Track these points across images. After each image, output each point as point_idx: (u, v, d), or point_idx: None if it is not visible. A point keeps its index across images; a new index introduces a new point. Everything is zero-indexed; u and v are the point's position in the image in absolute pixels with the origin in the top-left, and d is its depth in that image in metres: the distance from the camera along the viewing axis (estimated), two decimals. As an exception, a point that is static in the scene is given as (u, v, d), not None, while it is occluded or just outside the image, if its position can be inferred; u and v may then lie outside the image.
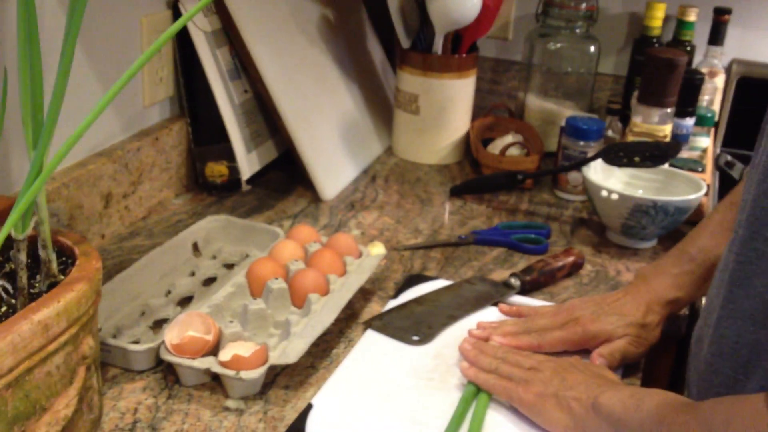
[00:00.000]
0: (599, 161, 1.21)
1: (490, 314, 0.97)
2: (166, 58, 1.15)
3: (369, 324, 0.93)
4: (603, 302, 0.91)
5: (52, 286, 0.69)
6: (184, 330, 0.81)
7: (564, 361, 0.83)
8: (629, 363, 0.89)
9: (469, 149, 1.44)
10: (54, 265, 0.71)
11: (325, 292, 0.92)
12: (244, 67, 1.22)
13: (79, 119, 0.64)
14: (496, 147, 1.39)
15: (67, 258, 0.73)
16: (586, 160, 1.20)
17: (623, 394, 0.72)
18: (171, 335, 0.80)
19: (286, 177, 1.31)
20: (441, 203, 1.28)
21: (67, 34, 0.64)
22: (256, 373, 0.78)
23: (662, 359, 1.09)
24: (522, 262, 1.10)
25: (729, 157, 1.32)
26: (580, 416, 0.74)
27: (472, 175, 1.39)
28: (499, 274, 1.04)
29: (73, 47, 0.64)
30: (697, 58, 1.53)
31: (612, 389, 0.74)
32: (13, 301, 0.69)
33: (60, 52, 0.64)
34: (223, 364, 0.78)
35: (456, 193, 1.31)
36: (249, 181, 1.25)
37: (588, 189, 1.21)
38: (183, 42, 1.16)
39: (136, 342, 0.84)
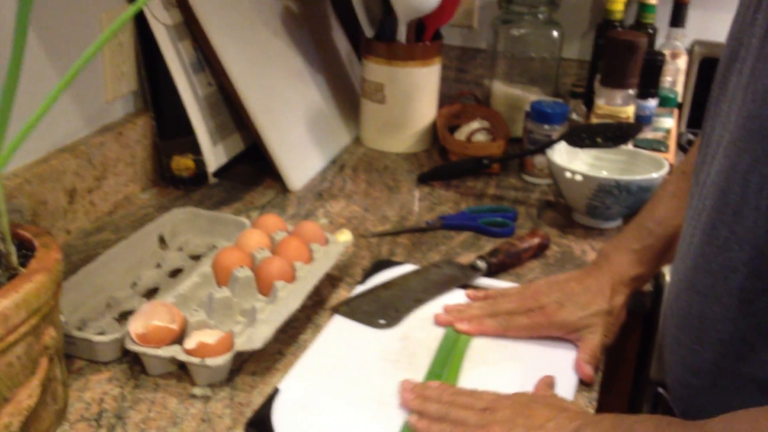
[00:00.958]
0: (563, 144, 1.22)
1: (457, 297, 0.97)
2: (128, 52, 1.15)
3: (336, 309, 0.93)
4: (567, 287, 0.90)
5: (12, 278, 0.68)
6: (148, 320, 0.81)
7: (522, 397, 0.75)
8: None
9: (436, 137, 1.45)
10: (13, 258, 0.71)
11: (292, 279, 0.93)
12: (207, 59, 1.22)
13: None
14: (462, 133, 1.40)
15: (27, 250, 0.73)
16: (550, 143, 1.21)
17: (604, 427, 0.67)
18: (135, 325, 0.80)
19: (253, 169, 1.32)
20: (409, 190, 1.29)
21: (18, 22, 0.64)
22: (222, 360, 0.78)
23: (629, 337, 1.10)
24: (489, 245, 1.11)
25: (691, 136, 1.33)
26: None
27: (440, 163, 1.39)
28: (466, 258, 1.05)
29: (24, 36, 0.63)
30: (660, 41, 1.55)
31: (589, 425, 0.68)
32: (-27, 293, 0.69)
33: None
34: (189, 352, 0.79)
35: (423, 180, 1.32)
36: (216, 173, 1.25)
37: (553, 171, 1.22)
38: (144, 36, 1.16)
39: (102, 334, 0.84)
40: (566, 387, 0.81)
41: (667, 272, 1.08)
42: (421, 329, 0.90)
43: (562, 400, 0.76)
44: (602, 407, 0.82)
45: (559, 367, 0.84)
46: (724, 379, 0.67)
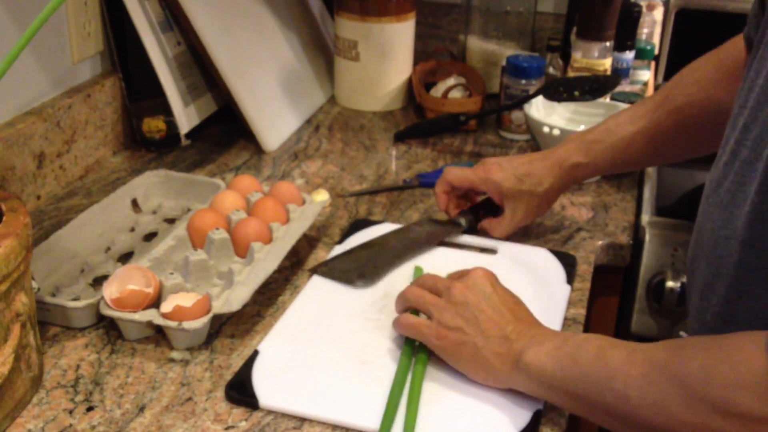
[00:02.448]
0: (540, 98, 1.21)
1: (438, 253, 0.96)
2: (93, 11, 1.12)
3: (314, 270, 0.92)
4: (514, 160, 0.97)
5: (-21, 244, 0.67)
6: (123, 284, 0.79)
7: (476, 292, 0.74)
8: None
9: (412, 95, 1.43)
10: (-20, 223, 0.69)
11: (268, 240, 0.91)
12: (175, 18, 1.19)
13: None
14: (438, 90, 1.38)
15: (-6, 216, 0.71)
16: (527, 98, 1.20)
17: (549, 347, 0.68)
18: (110, 290, 0.79)
19: (227, 130, 1.29)
20: (385, 149, 1.27)
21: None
22: (199, 323, 0.77)
23: (610, 290, 1.10)
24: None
25: (668, 88, 1.32)
26: (504, 374, 0.71)
27: (416, 120, 1.38)
28: (444, 216, 1.04)
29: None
30: (636, -7, 1.53)
31: (534, 343, 0.69)
32: (-61, 261, 0.67)
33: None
34: (165, 316, 0.77)
35: (400, 138, 1.30)
36: (189, 135, 1.23)
37: (530, 126, 1.21)
38: (110, -6, 1.12)
39: (77, 299, 0.82)
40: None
41: (647, 227, 1.07)
42: (400, 288, 0.89)
43: (513, 303, 0.75)
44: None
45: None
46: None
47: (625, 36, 1.33)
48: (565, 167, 0.95)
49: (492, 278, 0.77)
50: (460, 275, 0.78)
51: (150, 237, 0.97)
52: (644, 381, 0.60)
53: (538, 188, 0.95)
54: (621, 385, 0.62)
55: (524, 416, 0.71)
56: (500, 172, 0.95)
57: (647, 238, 1.06)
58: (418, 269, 0.92)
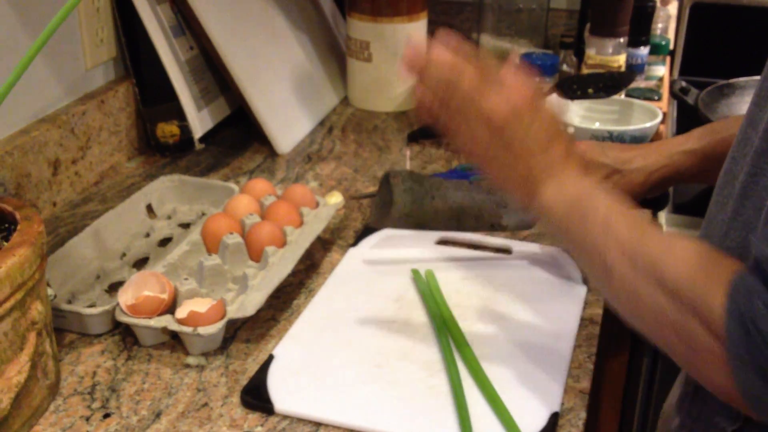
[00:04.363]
0: (554, 96, 1.20)
1: (449, 253, 0.96)
2: (105, 18, 1.12)
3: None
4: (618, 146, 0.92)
5: (-6, 253, 0.67)
6: (138, 290, 0.79)
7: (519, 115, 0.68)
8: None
9: (425, 94, 1.42)
10: (-5, 232, 0.69)
11: (282, 244, 0.91)
12: (187, 22, 1.20)
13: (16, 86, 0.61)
14: (451, 89, 1.37)
15: (9, 224, 0.72)
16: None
17: (568, 195, 0.66)
18: (125, 296, 0.79)
19: (240, 133, 1.29)
20: (399, 150, 1.27)
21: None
22: (214, 328, 0.77)
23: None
24: (482, 201, 1.09)
25: (684, 83, 1.31)
26: (526, 201, 0.69)
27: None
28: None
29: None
30: (649, -13, 1.52)
31: (555, 183, 0.67)
32: (-45, 271, 0.67)
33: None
34: (180, 322, 0.78)
35: (413, 138, 1.29)
36: (202, 139, 1.23)
37: (544, 124, 1.20)
38: (122, 1, 1.13)
39: (92, 306, 0.82)
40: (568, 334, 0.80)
41: (664, 225, 1.06)
42: (414, 293, 0.89)
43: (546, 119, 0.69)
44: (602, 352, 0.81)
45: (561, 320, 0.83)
46: None
47: (639, 31, 1.33)
48: (675, 151, 0.89)
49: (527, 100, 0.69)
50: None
51: (165, 242, 0.97)
52: (622, 265, 0.62)
53: (626, 165, 0.89)
54: (611, 258, 0.62)
55: (541, 418, 0.70)
56: (588, 144, 0.91)
57: (664, 235, 1.05)
58: (415, 272, 0.91)
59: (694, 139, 0.89)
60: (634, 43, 1.33)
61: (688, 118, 1.24)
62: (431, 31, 1.42)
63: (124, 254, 0.94)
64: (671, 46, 1.50)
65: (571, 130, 1.12)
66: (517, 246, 0.97)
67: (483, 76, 0.69)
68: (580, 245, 0.67)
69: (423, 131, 1.30)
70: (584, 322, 0.84)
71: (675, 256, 0.60)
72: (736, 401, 0.58)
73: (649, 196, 0.92)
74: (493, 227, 0.98)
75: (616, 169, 0.89)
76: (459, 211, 0.95)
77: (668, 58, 1.47)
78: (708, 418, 0.70)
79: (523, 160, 0.68)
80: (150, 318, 0.78)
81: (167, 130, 1.19)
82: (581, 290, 0.89)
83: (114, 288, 0.88)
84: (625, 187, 0.89)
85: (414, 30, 1.37)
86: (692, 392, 0.73)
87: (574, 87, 1.16)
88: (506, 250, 0.97)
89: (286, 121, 1.27)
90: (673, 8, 1.49)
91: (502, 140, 0.68)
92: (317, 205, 0.99)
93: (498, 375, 0.75)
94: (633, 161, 0.89)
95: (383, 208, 0.97)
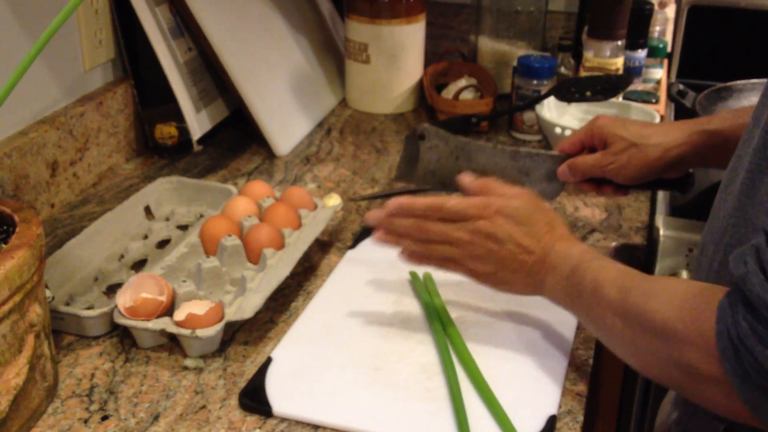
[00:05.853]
0: (552, 99, 1.20)
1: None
2: (104, 19, 1.12)
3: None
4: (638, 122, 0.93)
5: (-7, 255, 0.67)
6: (136, 292, 0.79)
7: (484, 228, 0.76)
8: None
9: (423, 96, 1.43)
10: (-6, 235, 0.69)
11: (280, 246, 0.91)
12: (185, 24, 1.20)
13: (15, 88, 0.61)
14: (449, 92, 1.38)
15: (7, 226, 0.72)
16: (538, 99, 1.19)
17: (562, 280, 0.73)
18: (123, 298, 0.79)
19: (239, 135, 1.29)
20: (397, 152, 1.27)
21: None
22: (213, 331, 0.77)
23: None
24: (480, 204, 1.09)
25: (681, 87, 1.32)
26: (533, 293, 0.77)
27: (428, 122, 1.37)
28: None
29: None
30: (647, -10, 1.52)
31: (551, 275, 0.74)
32: (-47, 273, 0.67)
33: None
34: (179, 324, 0.78)
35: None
36: (201, 141, 1.23)
37: (542, 127, 1.21)
38: (120, 2, 1.13)
39: (90, 308, 0.82)
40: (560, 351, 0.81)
41: (661, 228, 1.07)
42: (413, 296, 0.89)
43: (550, 226, 0.77)
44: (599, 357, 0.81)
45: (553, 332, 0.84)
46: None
47: (637, 34, 1.33)
48: (696, 129, 0.88)
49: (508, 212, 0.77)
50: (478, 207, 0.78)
51: (163, 244, 0.97)
52: (617, 324, 0.66)
53: (643, 140, 0.89)
54: (609, 321, 0.67)
55: (538, 421, 0.70)
56: (609, 118, 0.92)
57: (661, 238, 1.05)
58: (413, 275, 0.91)
59: (718, 120, 0.88)
60: (632, 46, 1.33)
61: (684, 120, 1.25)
62: (429, 34, 1.43)
63: (122, 256, 0.94)
64: (669, 49, 1.51)
65: (568, 133, 1.12)
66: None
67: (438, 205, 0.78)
68: (584, 317, 0.73)
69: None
70: (581, 324, 0.85)
71: (659, 300, 0.63)
72: (747, 419, 0.58)
73: (668, 177, 0.91)
74: None
75: (634, 143, 0.89)
76: (482, 174, 0.94)
77: (666, 61, 1.47)
78: (705, 412, 0.70)
79: (520, 268, 0.76)
80: (148, 320, 0.78)
81: (165, 131, 1.19)
82: (579, 293, 0.89)
83: (112, 290, 0.88)
84: (641, 162, 0.89)
85: (412, 32, 1.37)
86: None
87: (572, 90, 1.17)
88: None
89: (285, 123, 1.27)
90: (670, 11, 1.50)
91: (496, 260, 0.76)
92: (315, 207, 0.99)
93: (496, 377, 0.75)
94: (651, 137, 0.89)
95: (409, 164, 0.97)
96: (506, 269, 0.76)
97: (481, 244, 0.76)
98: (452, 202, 0.78)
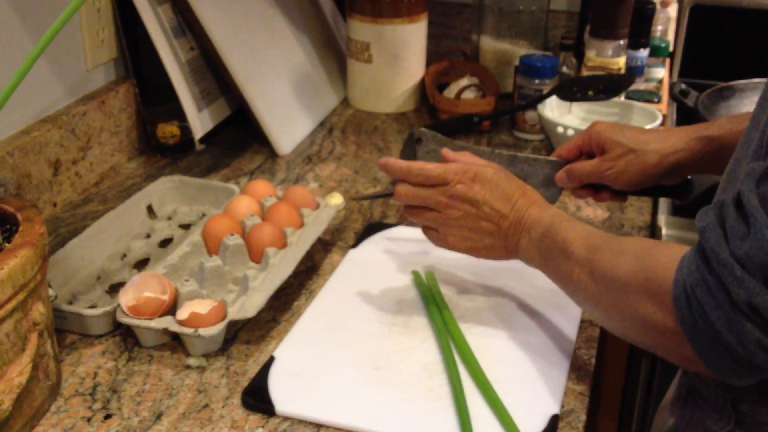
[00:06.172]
0: (554, 98, 1.20)
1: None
2: (106, 18, 1.12)
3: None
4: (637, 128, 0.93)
5: (-4, 254, 0.67)
6: (139, 291, 0.79)
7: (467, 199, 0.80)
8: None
9: (425, 96, 1.43)
10: (-3, 233, 0.69)
11: (283, 245, 0.91)
12: (188, 23, 1.20)
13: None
14: (451, 91, 1.38)
15: (10, 225, 0.72)
16: (540, 98, 1.19)
17: (535, 241, 0.76)
18: (126, 297, 0.79)
19: (241, 134, 1.30)
20: (399, 151, 1.27)
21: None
22: (215, 330, 0.77)
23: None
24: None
25: (683, 86, 1.32)
26: (508, 256, 0.81)
27: (430, 122, 1.37)
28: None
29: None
30: (649, -11, 1.52)
31: (525, 237, 0.77)
32: (-43, 272, 0.67)
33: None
34: (181, 323, 0.78)
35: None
36: (203, 140, 1.23)
37: (544, 126, 1.21)
38: (123, 1, 1.13)
39: (93, 307, 0.82)
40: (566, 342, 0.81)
41: (663, 227, 1.07)
42: (414, 293, 0.89)
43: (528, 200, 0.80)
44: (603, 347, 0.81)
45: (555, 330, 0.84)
46: None
47: (639, 34, 1.33)
48: (694, 136, 0.87)
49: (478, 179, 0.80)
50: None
51: (165, 243, 0.97)
52: (584, 281, 0.69)
53: (641, 146, 0.88)
54: (576, 278, 0.70)
55: (541, 420, 0.70)
56: (606, 124, 0.92)
57: (663, 238, 1.05)
58: (416, 273, 0.91)
59: (716, 127, 0.87)
60: (634, 45, 1.33)
61: (687, 121, 1.25)
62: (431, 33, 1.43)
63: (124, 255, 0.94)
64: (671, 49, 1.51)
65: (570, 132, 1.12)
66: (517, 248, 0.97)
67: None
68: (555, 275, 0.75)
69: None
70: (584, 324, 0.85)
71: (625, 256, 0.65)
72: (702, 369, 0.60)
73: (666, 183, 0.91)
74: None
75: (632, 149, 0.89)
76: None
77: (668, 61, 1.47)
78: (699, 420, 0.71)
79: (497, 231, 0.80)
80: (151, 319, 0.78)
81: (168, 130, 1.20)
82: (581, 292, 0.89)
83: (115, 289, 0.88)
84: (639, 168, 0.89)
85: (414, 31, 1.37)
86: (685, 394, 0.74)
87: (574, 89, 1.17)
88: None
89: (287, 122, 1.28)
90: (672, 10, 1.50)
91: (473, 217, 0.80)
92: (318, 206, 0.99)
93: (498, 377, 0.75)
94: (649, 143, 0.89)
95: None
96: (483, 232, 0.80)
97: (459, 207, 0.80)
98: (431, 166, 0.81)
